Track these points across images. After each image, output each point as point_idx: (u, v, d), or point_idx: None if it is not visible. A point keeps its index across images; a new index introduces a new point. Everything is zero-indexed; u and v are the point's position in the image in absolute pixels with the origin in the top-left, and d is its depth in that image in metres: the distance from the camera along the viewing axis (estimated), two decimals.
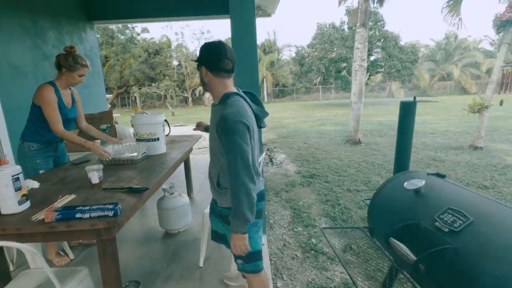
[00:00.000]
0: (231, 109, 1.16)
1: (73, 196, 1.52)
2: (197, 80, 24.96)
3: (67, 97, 2.10)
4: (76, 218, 1.24)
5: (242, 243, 1.20)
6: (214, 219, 1.49)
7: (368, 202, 1.46)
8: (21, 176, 1.36)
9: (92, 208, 1.25)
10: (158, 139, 2.43)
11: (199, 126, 1.98)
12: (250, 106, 1.27)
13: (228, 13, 2.23)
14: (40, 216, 1.28)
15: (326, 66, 16.38)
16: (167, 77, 22.77)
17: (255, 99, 1.36)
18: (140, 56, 21.16)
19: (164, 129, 2.51)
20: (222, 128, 1.16)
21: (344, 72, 17.76)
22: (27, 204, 1.39)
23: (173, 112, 17.82)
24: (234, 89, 1.28)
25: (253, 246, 1.28)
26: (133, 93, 24.54)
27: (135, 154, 2.18)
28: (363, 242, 2.42)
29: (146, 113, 2.47)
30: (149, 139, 2.40)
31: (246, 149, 1.15)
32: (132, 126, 2.71)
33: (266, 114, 1.35)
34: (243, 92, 1.33)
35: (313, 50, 17.29)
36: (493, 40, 26.54)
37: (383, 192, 1.27)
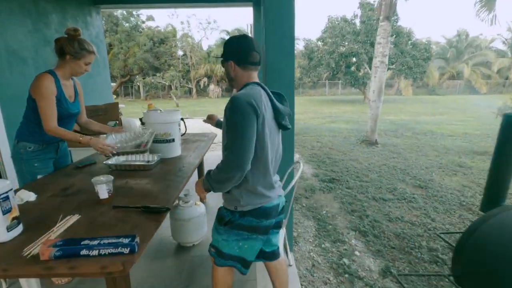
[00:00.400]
0: (242, 92, 1.13)
1: (76, 217, 1.22)
2: (201, 71, 24.53)
3: (69, 88, 1.79)
4: (81, 256, 0.94)
5: (201, 192, 1.30)
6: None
7: (445, 236, 1.17)
8: (11, 194, 1.06)
9: (102, 243, 0.96)
10: (173, 140, 2.13)
11: (211, 120, 1.79)
12: (271, 97, 1.19)
13: (245, 1, 1.90)
14: (34, 249, 0.98)
15: (336, 60, 15.91)
16: (172, 67, 22.37)
17: (281, 100, 1.28)
18: (145, 45, 20.75)
19: (179, 128, 2.21)
20: (229, 108, 1.09)
21: (353, 68, 17.29)
22: (18, 229, 1.09)
23: (178, 103, 17.47)
24: (257, 80, 1.24)
25: (226, 248, 1.27)
26: (137, 82, 24.19)
27: (142, 141, 1.87)
28: (403, 266, 2.13)
29: (161, 110, 2.17)
30: (164, 140, 2.10)
31: (248, 132, 1.07)
32: (142, 122, 2.42)
33: (289, 112, 1.26)
34: (272, 92, 1.26)
35: (323, 43, 16.79)
36: (506, 39, 25.86)
37: (482, 234, 0.98)
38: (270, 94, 1.19)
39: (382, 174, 4.25)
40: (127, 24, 21.77)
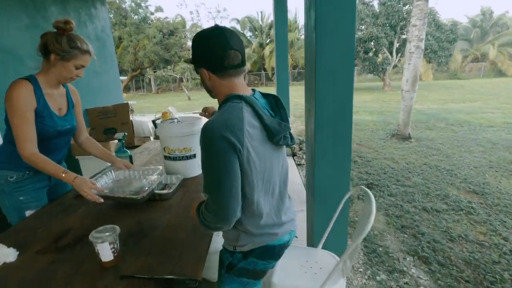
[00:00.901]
0: (218, 117, 0.85)
1: None
2: None
3: (59, 99, 1.39)
4: None
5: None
6: None
7: None
8: None
9: None
10: (194, 156, 1.72)
11: (206, 112, 1.55)
12: (260, 116, 0.88)
13: None
14: None
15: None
16: (182, 59, 21.96)
17: (277, 106, 0.99)
18: (154, 37, 20.38)
19: None
20: (201, 142, 0.85)
21: (371, 53, 16.37)
22: None
23: (189, 96, 17.10)
24: (243, 91, 0.93)
25: None
26: (148, 75, 23.98)
27: (143, 187, 1.43)
28: None
29: (179, 120, 1.75)
30: (183, 156, 1.69)
31: (228, 178, 0.82)
32: (155, 124, 2.05)
33: (286, 129, 0.93)
34: (263, 95, 1.00)
35: None
36: None
37: None
38: (258, 109, 0.88)
39: (426, 177, 3.73)
40: (136, 17, 21.40)
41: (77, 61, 1.26)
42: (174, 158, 1.69)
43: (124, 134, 1.93)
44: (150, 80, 24.55)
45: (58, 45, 1.22)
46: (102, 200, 1.23)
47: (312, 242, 1.70)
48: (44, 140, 1.35)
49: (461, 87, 16.60)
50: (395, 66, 16.87)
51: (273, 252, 1.00)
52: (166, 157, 1.72)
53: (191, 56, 0.95)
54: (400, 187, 3.43)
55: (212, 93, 0.98)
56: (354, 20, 1.39)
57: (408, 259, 2.19)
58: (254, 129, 0.86)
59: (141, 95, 22.03)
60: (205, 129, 0.83)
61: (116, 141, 3.25)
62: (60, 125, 1.36)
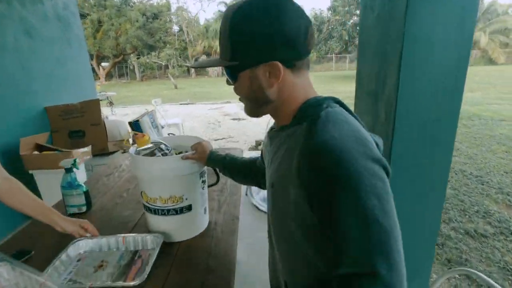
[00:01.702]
0: (336, 130, 0.47)
1: None
2: (199, 48, 22.80)
3: None
4: None
5: None
6: None
7: None
8: None
9: None
10: (189, 208, 1.07)
11: (200, 152, 0.98)
12: (364, 127, 0.57)
13: None
14: None
15: (349, 32, 14.41)
16: (168, 45, 20.78)
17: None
18: (137, 21, 19.08)
19: (204, 180, 1.14)
20: (331, 175, 0.44)
21: None
22: None
23: (176, 84, 16.15)
24: (315, 93, 0.58)
25: None
26: (131, 62, 22.67)
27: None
28: None
29: (167, 149, 1.09)
30: (170, 210, 1.05)
31: (395, 220, 0.46)
32: (132, 128, 1.48)
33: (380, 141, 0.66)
34: None
35: (334, 13, 15.16)
36: None
37: None
38: (357, 117, 0.56)
39: (454, 185, 3.24)
40: None
41: None
42: (156, 212, 1.05)
43: (74, 160, 1.27)
44: (134, 67, 23.24)
45: None
46: None
47: None
48: None
49: None
50: None
51: None
52: (144, 207, 1.09)
53: (232, 49, 0.54)
54: None
55: (271, 104, 0.57)
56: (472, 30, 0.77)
57: None
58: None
59: (125, 83, 20.81)
60: (336, 151, 0.45)
61: (86, 148, 2.57)
62: None
